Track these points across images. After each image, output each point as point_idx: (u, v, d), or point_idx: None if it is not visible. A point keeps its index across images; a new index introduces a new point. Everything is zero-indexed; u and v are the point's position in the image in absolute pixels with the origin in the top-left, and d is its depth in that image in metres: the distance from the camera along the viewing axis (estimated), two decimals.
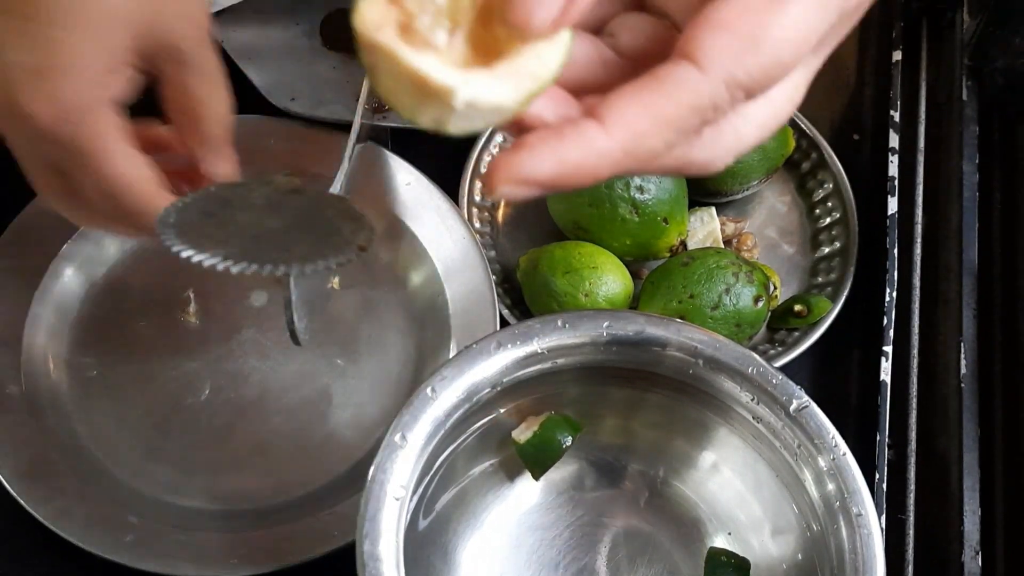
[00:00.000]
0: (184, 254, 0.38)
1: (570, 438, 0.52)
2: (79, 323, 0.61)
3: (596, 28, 0.33)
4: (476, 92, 0.27)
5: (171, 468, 0.58)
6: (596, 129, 0.29)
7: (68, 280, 0.61)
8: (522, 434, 0.52)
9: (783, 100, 0.32)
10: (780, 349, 0.62)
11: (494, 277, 0.63)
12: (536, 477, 0.54)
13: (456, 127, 0.28)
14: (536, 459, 0.53)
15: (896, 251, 0.65)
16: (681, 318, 0.56)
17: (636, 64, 0.31)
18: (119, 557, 0.53)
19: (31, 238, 0.61)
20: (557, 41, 0.29)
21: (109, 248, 0.63)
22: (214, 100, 0.48)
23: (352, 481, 0.57)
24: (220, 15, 0.66)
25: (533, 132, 0.29)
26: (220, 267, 0.38)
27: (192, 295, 0.62)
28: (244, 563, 0.53)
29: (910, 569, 0.58)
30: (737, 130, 0.31)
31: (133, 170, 0.45)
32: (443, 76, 0.27)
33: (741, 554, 0.52)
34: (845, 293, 0.64)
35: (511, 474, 0.55)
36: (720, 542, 0.53)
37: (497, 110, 0.28)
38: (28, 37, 0.42)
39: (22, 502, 0.54)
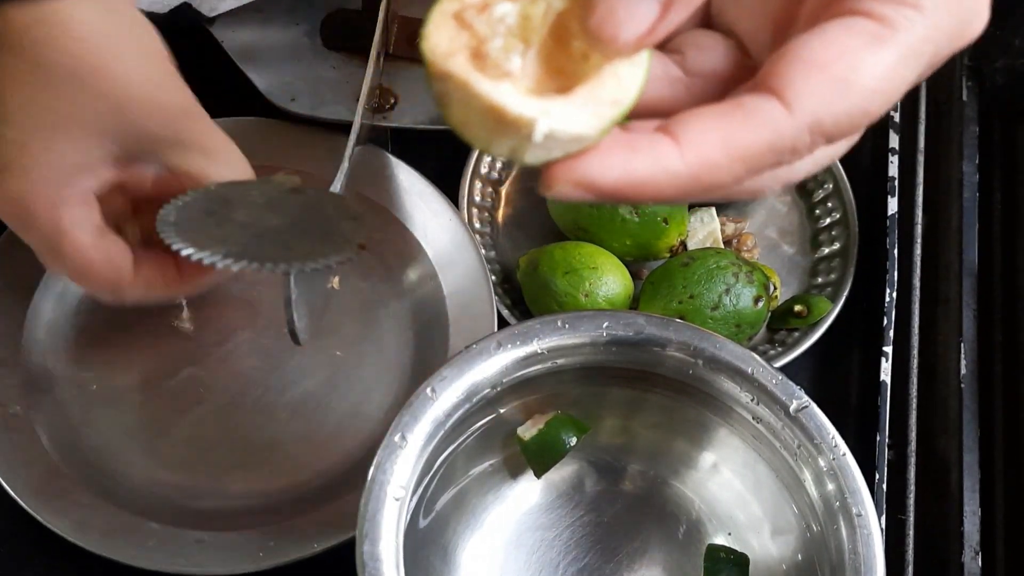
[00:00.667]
0: (184, 252, 0.38)
1: (575, 438, 0.52)
2: (73, 340, 0.61)
3: (660, 43, 0.31)
4: (557, 123, 0.26)
5: (183, 472, 0.58)
6: (670, 148, 0.27)
7: (58, 298, 0.61)
8: (527, 431, 0.52)
9: (845, 143, 0.31)
10: (780, 349, 0.62)
11: (494, 277, 0.63)
12: (538, 475, 0.54)
13: (533, 157, 0.27)
14: (539, 457, 0.53)
15: (896, 251, 0.65)
16: (681, 318, 0.56)
17: (704, 84, 0.30)
18: (145, 563, 0.53)
19: (16, 260, 0.60)
20: (637, 61, 0.28)
21: None
22: (208, 175, 0.47)
23: (361, 471, 0.57)
24: (220, 15, 0.66)
25: (610, 150, 0.27)
26: (220, 265, 0.38)
27: (184, 301, 0.62)
28: (271, 555, 0.54)
29: (910, 569, 0.58)
30: (792, 166, 0.30)
31: (92, 256, 0.47)
32: (522, 107, 0.26)
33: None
34: (845, 293, 0.64)
35: (511, 474, 0.55)
36: (720, 542, 0.53)
37: (577, 140, 0.27)
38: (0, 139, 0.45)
39: (39, 518, 0.53)
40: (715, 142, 0.27)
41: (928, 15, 0.27)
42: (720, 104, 0.28)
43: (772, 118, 0.27)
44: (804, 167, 0.30)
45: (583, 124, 0.26)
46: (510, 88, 0.26)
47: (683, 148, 0.27)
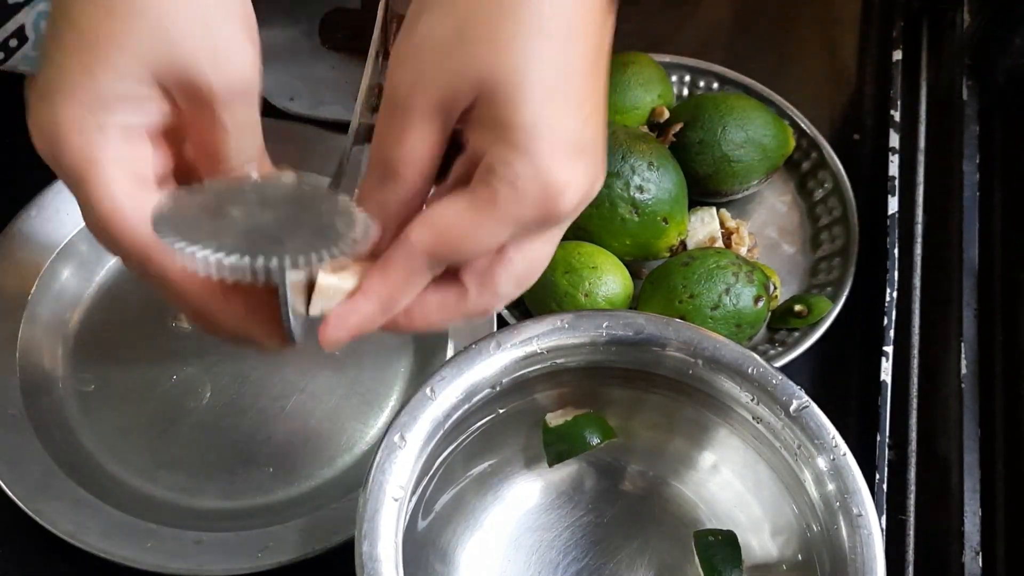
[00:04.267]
0: (177, 246, 0.38)
1: (598, 439, 0.52)
2: (70, 340, 0.61)
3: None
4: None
5: (182, 472, 0.58)
6: (361, 300, 0.41)
7: (54, 299, 0.61)
8: (555, 419, 0.53)
9: (518, 272, 0.43)
10: (780, 349, 0.62)
11: None
12: (550, 463, 0.54)
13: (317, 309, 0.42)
14: (557, 447, 0.53)
15: (897, 251, 0.65)
16: (681, 318, 0.56)
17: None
18: (144, 564, 0.53)
19: (12, 262, 0.61)
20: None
21: (92, 265, 0.63)
22: (234, 150, 0.44)
23: (360, 471, 0.57)
24: None
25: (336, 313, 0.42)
26: (212, 259, 0.38)
27: None
28: (269, 555, 0.54)
29: (910, 570, 0.58)
30: (495, 293, 0.43)
31: (123, 201, 0.41)
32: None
33: (739, 552, 0.52)
34: (845, 293, 0.64)
35: (511, 475, 0.55)
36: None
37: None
38: (47, 58, 0.41)
39: (39, 520, 0.53)
40: (381, 281, 0.41)
41: (504, 203, 0.39)
42: (384, 256, 0.41)
43: (406, 253, 0.41)
44: (507, 291, 0.44)
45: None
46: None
47: (365, 294, 0.41)
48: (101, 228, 0.42)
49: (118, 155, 0.41)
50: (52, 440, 0.57)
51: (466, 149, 0.42)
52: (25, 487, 0.54)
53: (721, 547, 0.52)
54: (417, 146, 0.42)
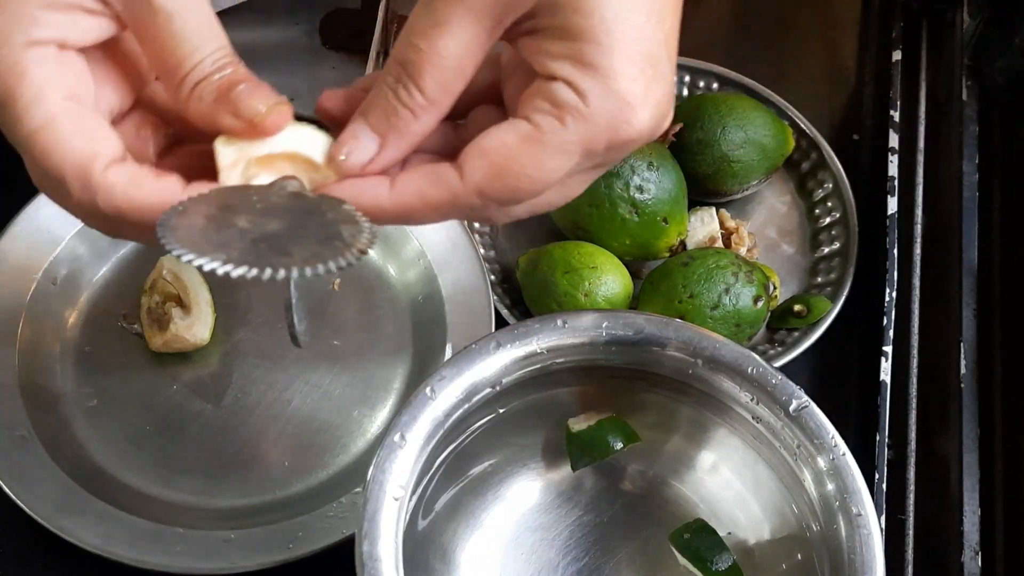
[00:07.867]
0: (185, 258, 0.38)
1: (621, 443, 0.53)
2: (68, 358, 0.61)
3: (464, 112, 0.40)
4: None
5: (199, 475, 0.58)
6: (383, 188, 0.37)
7: (46, 317, 0.61)
8: (578, 424, 0.53)
9: (544, 203, 0.40)
10: (780, 349, 0.62)
11: (493, 277, 0.63)
12: (574, 468, 0.54)
13: None
14: (581, 451, 0.53)
15: (896, 251, 0.65)
16: (681, 318, 0.56)
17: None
18: (178, 567, 0.53)
19: (9, 268, 0.60)
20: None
21: (79, 279, 0.63)
22: (188, 52, 0.39)
23: (362, 470, 0.58)
24: (218, 15, 0.66)
25: (346, 181, 0.38)
26: (220, 271, 0.38)
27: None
28: (301, 544, 0.54)
29: (910, 569, 0.58)
30: (491, 211, 0.38)
31: (58, 114, 0.35)
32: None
33: (739, 555, 0.52)
34: (845, 293, 0.64)
35: (510, 474, 0.55)
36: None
37: None
38: None
39: (64, 536, 0.53)
40: (414, 191, 0.37)
41: (571, 126, 0.35)
42: (430, 166, 0.37)
43: (452, 183, 0.37)
44: (498, 215, 0.39)
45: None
46: None
47: (393, 191, 0.37)
48: (33, 148, 0.35)
49: (52, 75, 0.36)
50: (64, 457, 0.57)
51: (508, 72, 0.38)
52: (45, 506, 0.54)
53: (698, 537, 0.52)
54: (451, 46, 0.35)
